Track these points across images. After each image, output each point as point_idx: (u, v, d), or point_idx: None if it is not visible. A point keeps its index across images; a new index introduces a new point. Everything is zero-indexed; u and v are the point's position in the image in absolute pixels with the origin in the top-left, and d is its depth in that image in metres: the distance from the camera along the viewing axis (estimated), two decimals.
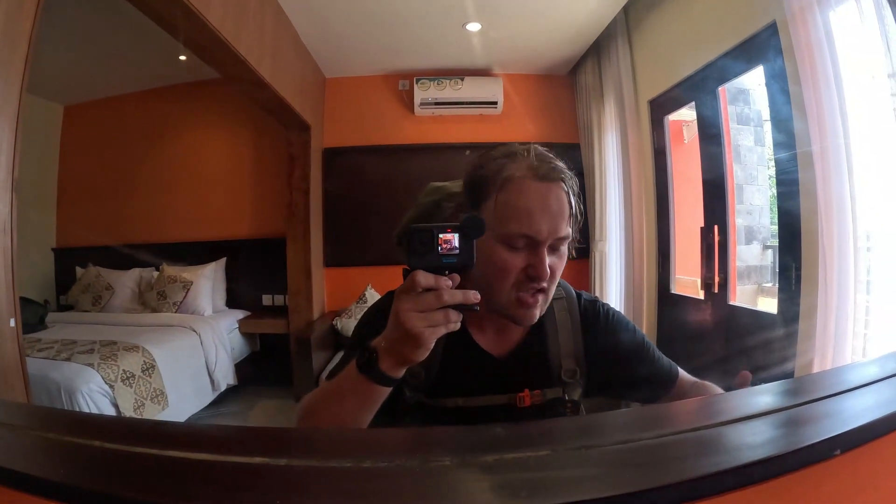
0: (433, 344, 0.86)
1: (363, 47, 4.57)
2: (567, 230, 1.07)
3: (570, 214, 1.08)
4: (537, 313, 1.09)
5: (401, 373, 0.91)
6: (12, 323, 1.58)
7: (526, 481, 0.53)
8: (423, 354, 0.87)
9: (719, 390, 1.18)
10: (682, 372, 1.26)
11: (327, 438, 0.77)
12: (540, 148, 1.10)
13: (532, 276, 1.05)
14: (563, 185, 1.07)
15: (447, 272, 0.85)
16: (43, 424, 0.75)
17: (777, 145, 2.79)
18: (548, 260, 1.05)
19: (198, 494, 0.51)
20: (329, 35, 4.27)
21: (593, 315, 1.25)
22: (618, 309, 1.33)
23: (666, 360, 1.26)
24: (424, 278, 0.84)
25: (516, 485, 0.53)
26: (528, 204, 1.03)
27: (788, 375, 2.47)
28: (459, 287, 0.86)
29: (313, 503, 0.49)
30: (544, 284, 1.06)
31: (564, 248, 1.09)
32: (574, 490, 0.51)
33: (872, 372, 0.84)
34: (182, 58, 4.51)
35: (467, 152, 4.97)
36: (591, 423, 0.90)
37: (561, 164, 1.09)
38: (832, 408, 0.72)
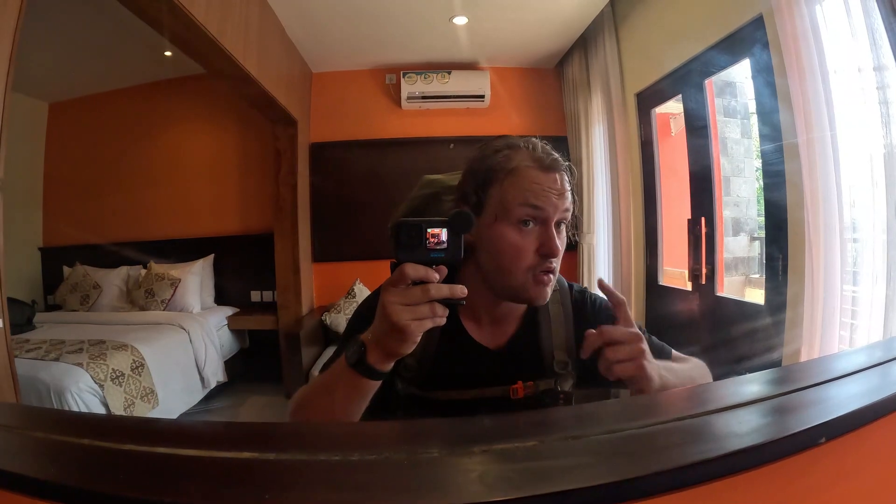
0: (419, 337, 0.87)
1: (350, 41, 4.56)
2: (571, 206, 1.11)
3: (571, 199, 1.11)
4: (549, 292, 1.11)
5: (389, 366, 0.91)
6: (0, 324, 1.57)
7: (514, 471, 0.54)
8: (410, 348, 0.87)
9: (702, 364, 1.18)
10: (674, 352, 1.26)
11: (315, 432, 0.77)
12: (540, 141, 1.14)
13: (545, 254, 1.07)
14: (566, 174, 1.11)
15: (434, 266, 0.86)
16: (32, 424, 0.74)
17: (763, 137, 2.81)
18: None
19: (188, 490, 0.51)
20: (315, 29, 4.25)
21: (583, 304, 1.27)
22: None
23: (657, 340, 1.26)
24: (414, 270, 0.84)
25: (505, 475, 0.53)
26: (537, 182, 1.07)
27: (776, 364, 2.49)
28: (461, 279, 0.86)
29: (302, 496, 0.49)
30: (557, 262, 1.09)
31: (564, 232, 1.12)
32: (562, 479, 0.51)
33: (859, 360, 0.84)
34: (167, 54, 4.49)
35: (451, 146, 4.99)
36: (579, 413, 0.91)
37: (561, 157, 1.13)
38: (819, 396, 0.73)
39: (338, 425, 0.92)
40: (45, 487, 0.54)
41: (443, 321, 0.87)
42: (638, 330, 1.01)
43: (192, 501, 0.49)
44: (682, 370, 1.09)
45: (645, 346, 0.98)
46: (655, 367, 0.99)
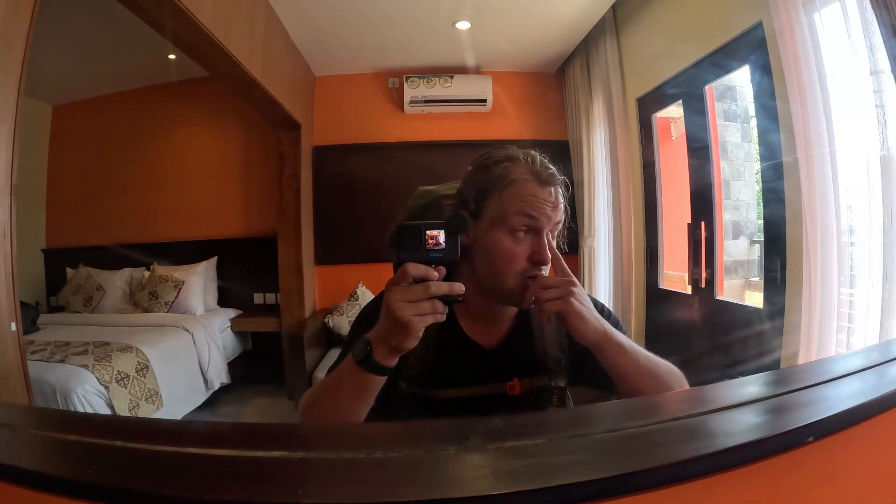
0: (421, 332, 0.93)
1: (353, 46, 4.59)
2: (563, 218, 1.17)
3: (563, 211, 1.17)
4: None
5: (394, 361, 0.97)
6: (13, 327, 1.59)
7: (525, 466, 0.58)
8: (413, 343, 0.93)
9: (679, 373, 1.19)
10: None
11: (339, 433, 0.81)
12: (538, 154, 1.19)
13: (536, 261, 1.12)
14: (560, 188, 1.16)
15: (434, 265, 0.92)
16: (61, 427, 0.76)
17: (762, 151, 2.83)
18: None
19: (222, 487, 0.55)
20: (319, 34, 4.29)
21: None
22: (606, 303, 1.37)
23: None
24: (415, 269, 0.91)
25: (516, 470, 0.57)
26: (533, 193, 1.12)
27: (774, 368, 2.52)
28: (457, 279, 0.92)
29: (334, 491, 0.53)
30: (546, 270, 1.13)
31: (554, 242, 1.16)
32: (568, 473, 0.55)
33: (854, 363, 0.87)
34: (171, 57, 4.51)
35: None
36: (583, 413, 0.95)
37: (557, 171, 1.18)
38: (811, 397, 0.76)
39: (360, 426, 0.98)
40: (82, 488, 0.56)
41: (443, 317, 0.93)
42: (573, 278, 1.08)
43: (229, 497, 0.52)
44: (641, 349, 1.12)
45: (576, 288, 1.06)
46: (592, 312, 1.06)
